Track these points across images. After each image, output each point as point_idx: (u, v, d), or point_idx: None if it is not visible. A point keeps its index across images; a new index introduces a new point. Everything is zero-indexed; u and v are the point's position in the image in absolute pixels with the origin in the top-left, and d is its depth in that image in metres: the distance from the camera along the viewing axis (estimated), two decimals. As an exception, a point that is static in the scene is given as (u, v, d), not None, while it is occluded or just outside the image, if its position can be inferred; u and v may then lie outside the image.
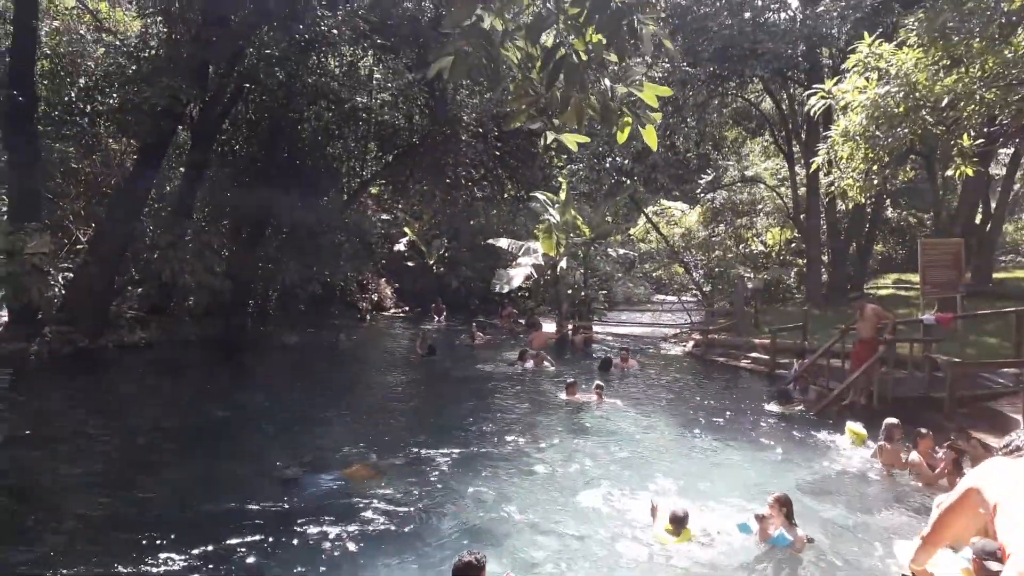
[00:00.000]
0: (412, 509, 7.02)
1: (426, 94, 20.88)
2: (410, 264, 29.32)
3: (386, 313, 27.67)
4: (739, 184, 26.98)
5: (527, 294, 26.46)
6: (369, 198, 29.86)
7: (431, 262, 28.59)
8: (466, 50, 4.50)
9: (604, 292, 24.29)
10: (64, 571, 5.55)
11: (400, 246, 29.63)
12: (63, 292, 15.67)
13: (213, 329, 18.26)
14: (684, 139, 24.94)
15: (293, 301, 22.14)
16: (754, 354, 16.20)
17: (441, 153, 23.58)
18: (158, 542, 6.02)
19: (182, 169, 19.27)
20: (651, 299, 31.20)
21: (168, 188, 19.96)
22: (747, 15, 18.77)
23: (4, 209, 16.17)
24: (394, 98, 23.21)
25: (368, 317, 25.74)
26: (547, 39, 4.45)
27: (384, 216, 30.59)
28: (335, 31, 17.06)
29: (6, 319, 14.87)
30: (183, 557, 5.75)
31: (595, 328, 21.51)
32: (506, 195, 29.68)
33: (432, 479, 7.95)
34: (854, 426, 9.43)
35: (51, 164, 17.06)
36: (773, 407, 11.51)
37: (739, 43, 17.75)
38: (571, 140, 4.89)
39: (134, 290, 18.45)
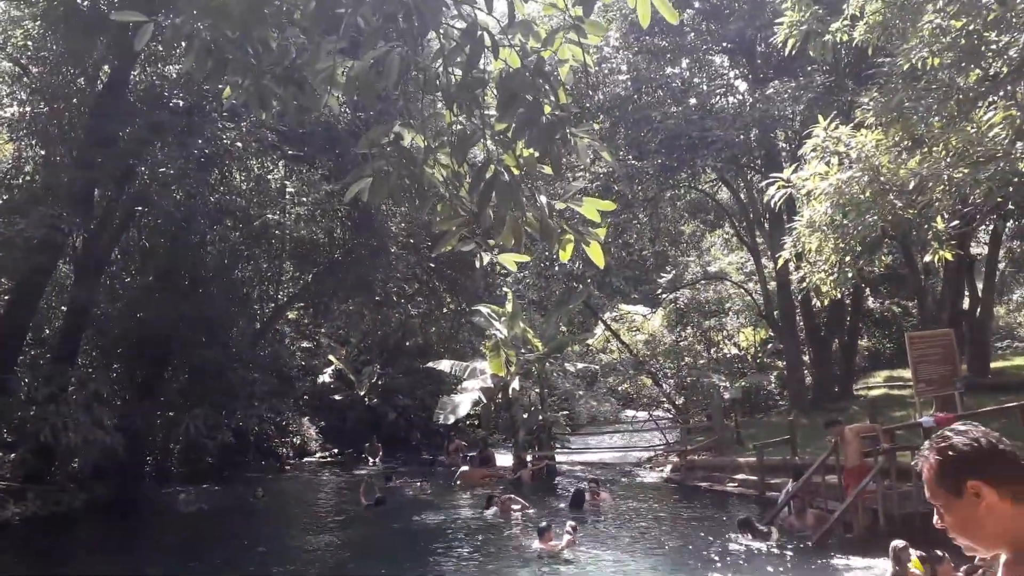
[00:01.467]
0: None
1: (347, 206, 21.23)
2: (337, 397, 28.85)
3: (311, 458, 26.93)
4: (703, 282, 27.69)
5: (476, 422, 26.18)
6: (286, 324, 29.61)
7: (362, 393, 28.19)
8: (386, 170, 4.63)
9: (565, 413, 24.21)
10: None
11: (325, 377, 29.22)
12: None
13: (104, 494, 17.40)
14: (637, 236, 25.68)
15: (199, 453, 21.39)
16: (740, 475, 16.20)
17: (368, 268, 23.70)
18: None
19: (63, 308, 18.85)
20: (619, 417, 31.12)
21: (47, 331, 19.43)
22: (692, 101, 19.91)
23: None
24: (311, 212, 23.50)
25: (289, 465, 24.98)
26: (476, 155, 4.61)
27: (304, 344, 30.31)
28: (239, 143, 17.38)
29: None
30: None
31: (558, 457, 21.30)
32: (445, 310, 29.86)
33: None
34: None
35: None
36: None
37: (687, 132, 18.69)
38: (510, 260, 4.98)
39: (6, 456, 17.56)
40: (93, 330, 19.54)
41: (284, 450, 26.04)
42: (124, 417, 17.35)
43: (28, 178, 17.41)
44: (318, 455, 27.53)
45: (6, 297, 17.70)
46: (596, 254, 4.61)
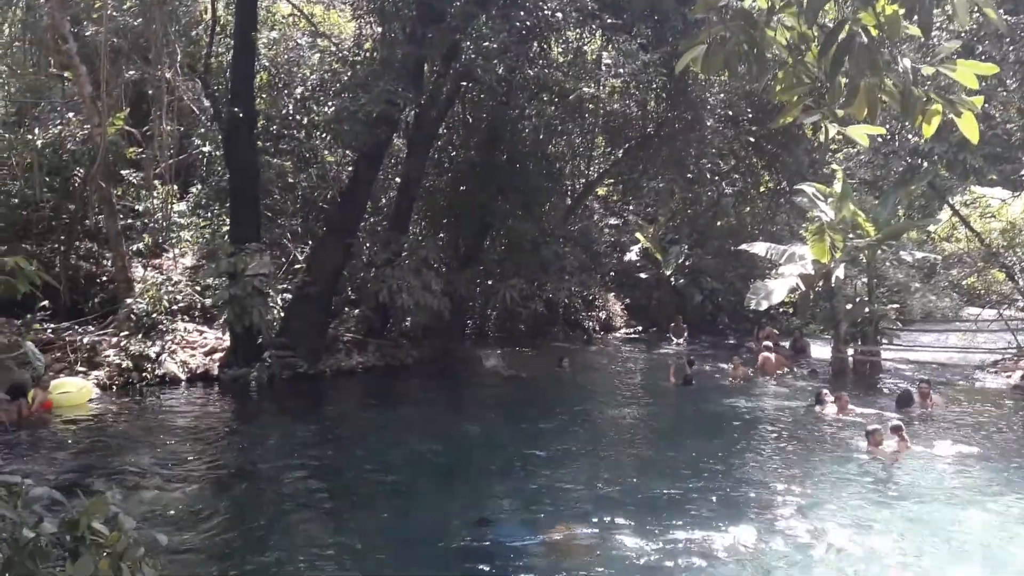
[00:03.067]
0: None
1: (663, 77, 20.86)
2: (643, 276, 29.34)
3: (616, 333, 27.93)
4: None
5: (791, 311, 25.37)
6: (596, 201, 30.37)
7: (668, 273, 28.37)
8: (723, 35, 4.46)
9: (895, 307, 22.58)
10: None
11: (632, 255, 29.75)
12: (282, 315, 17.65)
13: (431, 352, 19.66)
14: (1003, 106, 22.48)
15: (513, 321, 23.13)
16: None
17: (681, 143, 23.39)
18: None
19: (397, 180, 20.92)
20: (959, 314, 28.51)
21: (383, 201, 21.76)
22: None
23: (225, 229, 18.54)
24: (625, 84, 23.45)
25: (595, 338, 26.13)
26: (827, 15, 4.28)
27: (613, 221, 30.93)
28: (559, 14, 17.65)
29: (228, 344, 17.00)
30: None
31: (884, 353, 20.08)
32: (763, 189, 28.74)
33: (665, 551, 7.59)
34: None
35: (270, 180, 19.33)
36: None
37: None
38: (860, 133, 4.63)
39: (350, 312, 20.31)
40: (423, 201, 21.56)
41: (590, 324, 27.26)
42: (448, 283, 19.12)
43: (368, 55, 19.19)
44: (622, 331, 28.50)
45: (350, 168, 19.96)
46: (969, 126, 4.16)
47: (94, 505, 2.74)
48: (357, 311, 20.06)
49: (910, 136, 20.59)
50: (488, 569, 7.08)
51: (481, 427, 13.36)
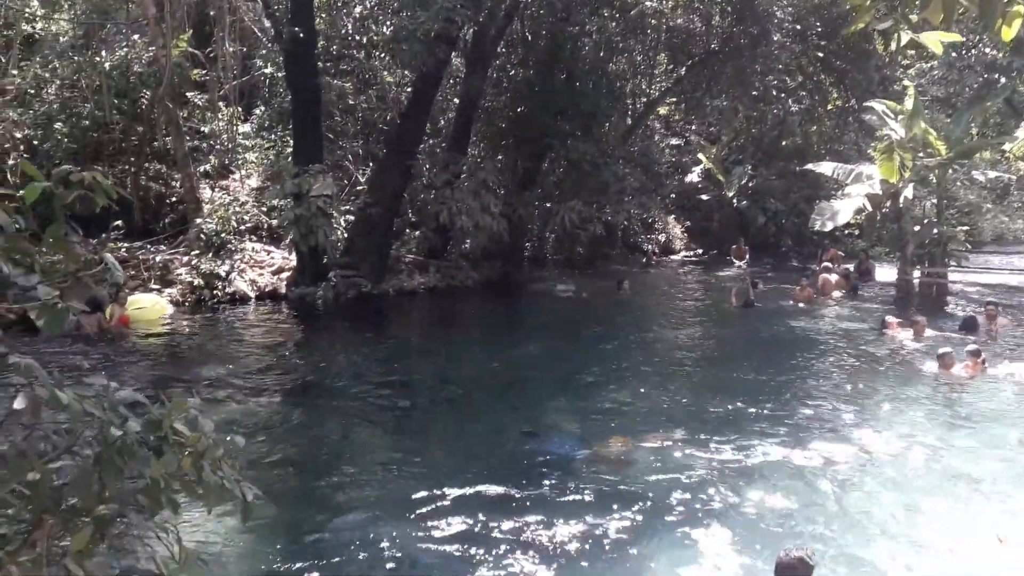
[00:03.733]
0: (682, 498, 6.94)
1: (730, -13, 20.17)
2: (704, 197, 28.93)
3: (674, 256, 27.71)
4: None
5: (857, 232, 24.80)
6: (657, 120, 29.80)
7: (731, 194, 27.88)
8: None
9: (965, 228, 21.90)
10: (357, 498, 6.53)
11: (693, 176, 29.30)
12: (345, 236, 17.92)
13: (489, 274, 19.82)
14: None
15: (571, 243, 23.08)
16: None
17: (747, 60, 22.65)
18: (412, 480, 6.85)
19: (456, 101, 20.77)
20: (1033, 237, 27.61)
21: (442, 122, 21.67)
22: None
23: (289, 151, 18.73)
24: (690, -2, 22.72)
25: (654, 261, 25.97)
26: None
27: (674, 141, 30.39)
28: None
29: (294, 263, 17.38)
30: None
31: (951, 275, 19.56)
32: (830, 107, 27.78)
33: (720, 469, 7.64)
34: None
35: (330, 102, 19.36)
36: None
37: None
38: (934, 40, 4.43)
39: (411, 234, 20.51)
40: (481, 122, 21.40)
41: (649, 246, 27.07)
42: (507, 205, 19.12)
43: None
44: (682, 254, 28.26)
45: (408, 88, 19.87)
46: (1053, 33, 3.94)
47: (175, 407, 2.89)
48: (418, 233, 20.24)
49: (987, 50, 19.62)
50: (540, 480, 7.26)
51: (539, 347, 13.51)
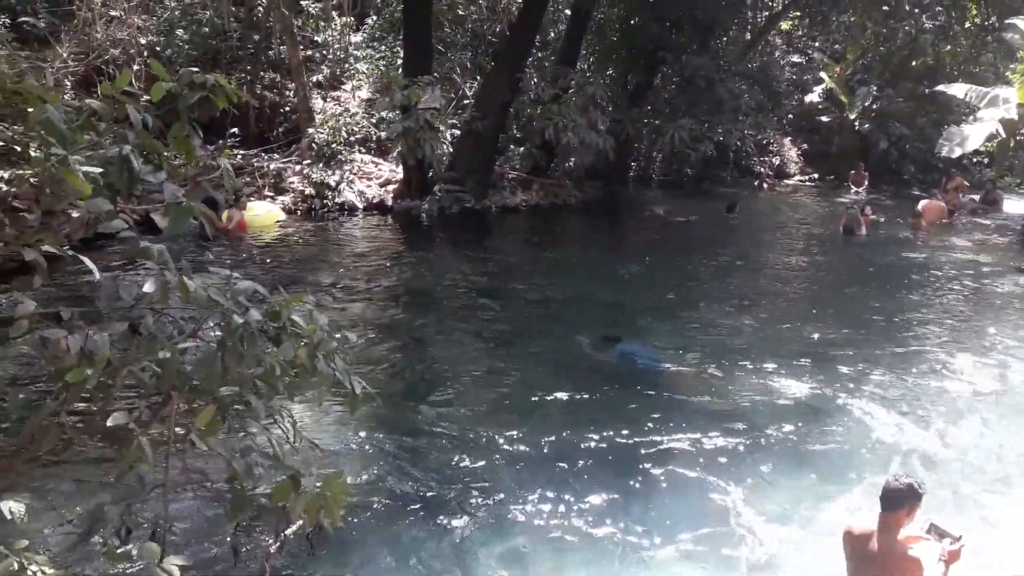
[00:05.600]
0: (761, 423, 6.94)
1: None
2: (824, 119, 27.66)
3: (789, 181, 26.78)
4: None
5: (986, 160, 23.39)
6: (778, 36, 28.45)
7: (853, 116, 26.55)
8: None
9: (1110, 160, 20.39)
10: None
11: (813, 96, 28.02)
12: (451, 150, 18.05)
13: (594, 193, 19.66)
14: None
15: (680, 163, 22.59)
16: None
17: (879, -29, 21.30)
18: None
19: (567, 12, 20.32)
20: None
21: (552, 34, 21.29)
22: None
23: (399, 61, 18.82)
24: None
25: (767, 184, 25.19)
26: None
27: (796, 58, 29.03)
28: None
29: (401, 176, 17.66)
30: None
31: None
32: (968, 24, 25.88)
33: (810, 398, 7.59)
34: None
35: (440, 12, 19.27)
36: None
37: None
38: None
39: (516, 150, 20.46)
40: (592, 35, 20.91)
41: (762, 169, 26.21)
42: (615, 122, 18.79)
43: None
44: (796, 178, 27.25)
45: (519, 0, 19.55)
46: None
47: (293, 298, 3.07)
48: (523, 149, 20.17)
49: None
50: (621, 386, 7.69)
51: (640, 268, 13.45)
